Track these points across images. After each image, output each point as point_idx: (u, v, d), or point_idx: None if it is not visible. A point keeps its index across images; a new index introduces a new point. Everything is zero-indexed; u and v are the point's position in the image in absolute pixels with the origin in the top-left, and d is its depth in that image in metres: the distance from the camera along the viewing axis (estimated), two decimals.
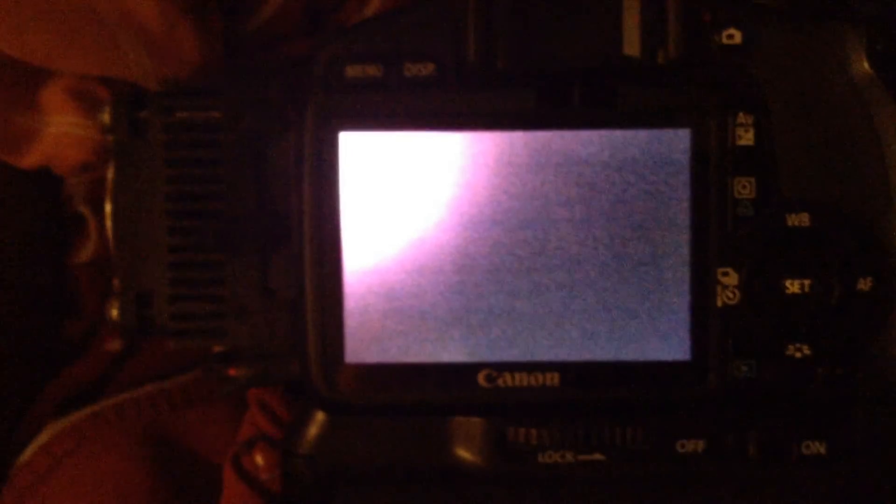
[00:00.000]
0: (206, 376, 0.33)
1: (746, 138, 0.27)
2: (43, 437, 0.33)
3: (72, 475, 0.33)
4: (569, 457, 0.27)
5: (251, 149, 0.28)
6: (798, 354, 0.27)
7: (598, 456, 0.27)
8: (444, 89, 0.27)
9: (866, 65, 0.27)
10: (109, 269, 0.31)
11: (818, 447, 0.27)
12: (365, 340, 0.27)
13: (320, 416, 0.28)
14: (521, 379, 0.27)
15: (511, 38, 0.27)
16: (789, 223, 0.27)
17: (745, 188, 0.27)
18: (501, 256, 0.27)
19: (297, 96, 0.28)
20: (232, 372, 0.29)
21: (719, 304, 0.27)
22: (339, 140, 0.27)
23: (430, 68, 0.27)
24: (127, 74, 0.31)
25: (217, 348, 0.31)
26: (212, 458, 0.34)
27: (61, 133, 0.33)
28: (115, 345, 0.36)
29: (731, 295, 0.27)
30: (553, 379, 0.27)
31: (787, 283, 0.27)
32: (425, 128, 0.27)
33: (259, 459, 0.33)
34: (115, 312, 0.29)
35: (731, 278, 0.27)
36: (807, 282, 0.27)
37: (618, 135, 0.27)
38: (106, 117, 0.29)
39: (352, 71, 0.27)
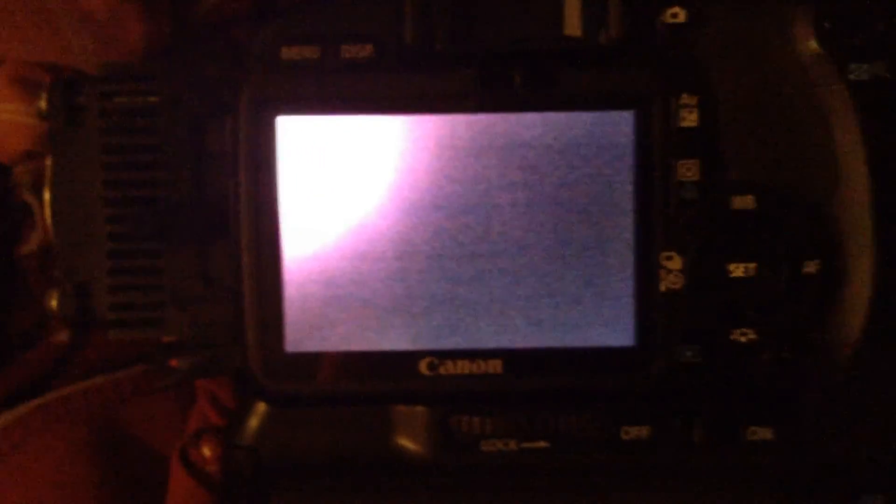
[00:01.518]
0: (149, 367, 0.33)
1: (690, 120, 0.27)
2: None
3: (18, 468, 0.32)
4: (512, 445, 0.27)
5: (189, 134, 0.28)
6: (743, 339, 0.27)
7: (541, 444, 0.27)
8: (383, 72, 0.27)
9: (814, 43, 0.26)
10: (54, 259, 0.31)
11: (765, 432, 0.27)
12: (305, 329, 0.27)
13: (261, 407, 0.28)
14: (464, 366, 0.27)
15: (450, 18, 0.26)
16: (734, 206, 0.27)
17: (689, 170, 0.27)
18: (443, 242, 0.27)
19: (235, 81, 0.27)
20: (174, 363, 0.29)
21: (663, 288, 0.27)
22: (276, 124, 0.27)
23: (368, 50, 0.27)
24: (70, 60, 0.31)
25: (167, 339, 0.31)
26: (160, 450, 0.34)
27: (5, 121, 0.33)
28: (63, 336, 0.36)
29: (675, 279, 0.27)
30: (496, 366, 0.27)
31: (732, 266, 0.27)
32: (364, 111, 0.27)
33: (206, 451, 0.32)
34: (54, 303, 0.29)
35: (675, 262, 0.27)
36: (752, 265, 0.27)
37: (560, 117, 0.27)
38: (42, 103, 0.29)
39: (287, 53, 0.27)
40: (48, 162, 0.30)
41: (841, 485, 0.27)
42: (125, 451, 0.34)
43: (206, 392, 0.34)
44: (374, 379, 0.27)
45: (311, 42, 0.27)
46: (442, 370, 0.27)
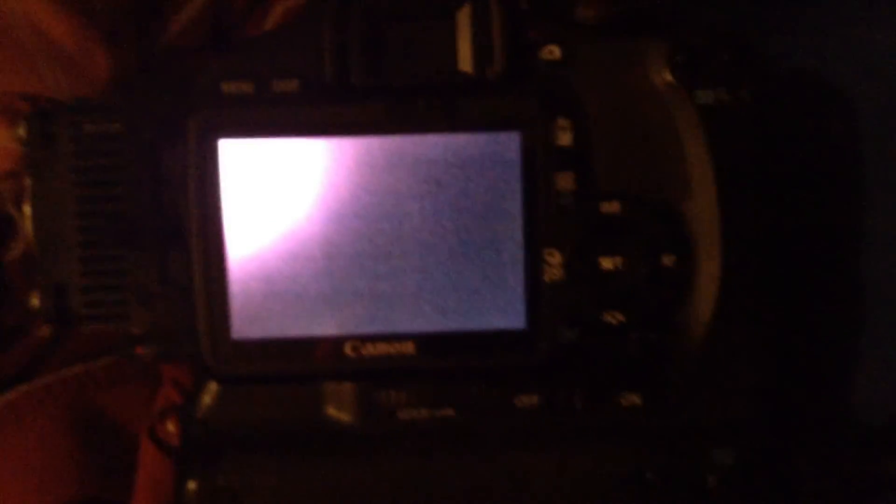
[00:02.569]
0: (118, 356, 0.37)
1: (566, 139, 0.31)
2: None
3: (7, 446, 0.36)
4: (424, 413, 0.32)
5: (148, 157, 0.32)
6: (614, 321, 0.31)
7: (449, 412, 0.32)
8: (308, 102, 0.31)
9: (668, 74, 0.31)
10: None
11: (635, 398, 0.32)
12: (248, 319, 0.31)
13: (213, 386, 0.32)
14: (382, 348, 0.31)
15: (362, 57, 0.31)
16: (603, 210, 0.31)
17: (566, 182, 0.31)
18: (363, 244, 0.31)
19: (185, 110, 0.31)
20: (139, 350, 0.33)
21: (547, 280, 0.31)
22: (218, 147, 0.31)
23: (295, 84, 0.31)
24: (45, 91, 0.35)
25: (135, 331, 0.35)
26: (131, 429, 0.38)
27: None
28: (44, 332, 0.39)
29: (556, 272, 0.31)
30: (409, 347, 0.31)
31: (603, 260, 0.31)
32: (293, 135, 0.31)
33: (171, 427, 0.36)
34: (36, 302, 0.33)
35: (556, 258, 0.31)
36: (619, 259, 0.31)
37: (459, 138, 0.31)
38: (21, 131, 0.33)
39: (227, 87, 0.31)
40: (27, 181, 0.33)
41: (698, 441, 0.31)
42: (101, 430, 0.38)
43: (170, 378, 0.38)
44: (307, 360, 0.31)
45: (246, 78, 0.31)
46: (364, 351, 0.31)
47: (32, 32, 0.34)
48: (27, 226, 0.34)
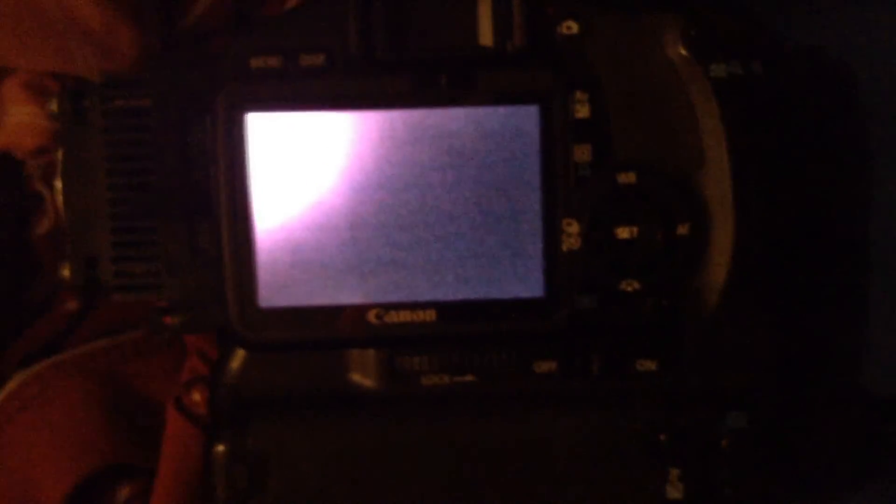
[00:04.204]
0: (147, 325, 0.37)
1: (583, 112, 0.32)
2: (11, 385, 0.38)
3: (37, 416, 0.38)
4: (446, 379, 0.33)
5: (177, 131, 0.33)
6: (630, 289, 0.32)
7: (469, 377, 0.33)
8: (334, 76, 0.32)
9: (682, 48, 0.32)
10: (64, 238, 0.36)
11: (650, 364, 0.33)
12: (274, 288, 0.32)
13: (240, 353, 0.33)
14: (405, 315, 0.32)
15: (386, 32, 0.32)
16: (619, 181, 0.32)
17: (583, 153, 0.32)
18: (386, 215, 0.32)
19: (213, 85, 0.32)
20: (167, 320, 0.34)
21: (565, 249, 0.32)
22: (246, 120, 0.32)
23: (321, 59, 0.32)
24: (74, 69, 0.36)
25: (164, 302, 0.36)
26: (158, 399, 0.39)
27: (19, 122, 0.38)
28: (72, 305, 0.41)
29: (574, 241, 0.32)
30: (431, 315, 0.32)
31: (619, 230, 0.32)
32: (319, 108, 0.32)
33: (196, 397, 0.37)
34: (67, 273, 0.34)
35: (574, 227, 0.32)
36: (635, 228, 0.32)
37: (479, 111, 0.32)
38: (54, 106, 0.34)
39: (255, 62, 0.32)
40: (58, 156, 0.34)
41: (711, 404, 0.32)
42: (128, 400, 0.39)
43: (195, 349, 0.39)
44: (332, 327, 0.32)
45: (274, 52, 0.32)
46: (387, 319, 0.32)
47: (61, 13, 0.35)
48: (58, 200, 0.35)
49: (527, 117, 0.32)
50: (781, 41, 0.34)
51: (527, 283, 0.32)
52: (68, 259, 0.34)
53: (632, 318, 0.32)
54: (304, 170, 0.32)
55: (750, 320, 0.32)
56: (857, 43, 0.36)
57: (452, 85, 0.32)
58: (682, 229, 0.32)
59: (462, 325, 0.32)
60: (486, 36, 0.32)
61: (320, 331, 0.32)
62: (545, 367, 0.32)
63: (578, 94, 0.32)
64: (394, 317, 0.32)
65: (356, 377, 0.33)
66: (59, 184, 0.35)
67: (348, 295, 0.32)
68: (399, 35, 0.32)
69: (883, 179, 0.36)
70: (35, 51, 0.36)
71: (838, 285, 0.37)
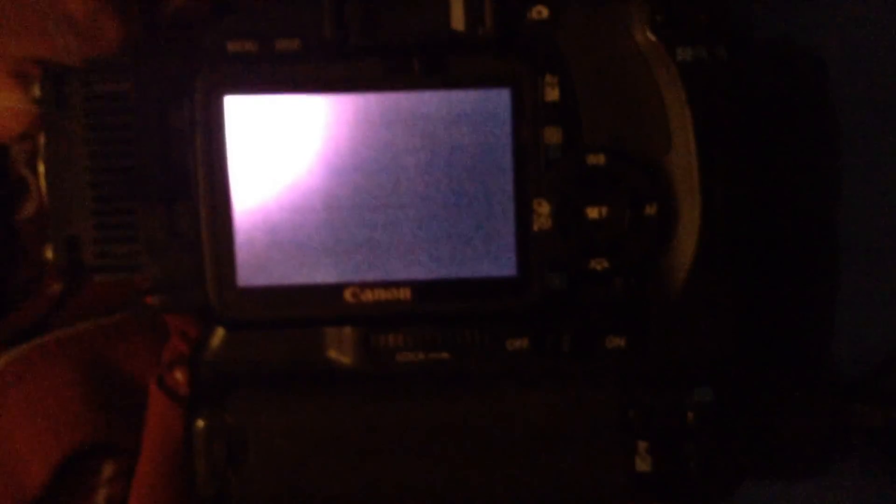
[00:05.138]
0: (129, 309, 0.38)
1: (553, 95, 0.33)
2: None
3: (21, 397, 0.38)
4: (421, 356, 0.33)
5: (156, 114, 0.33)
6: (599, 268, 0.33)
7: (444, 354, 0.34)
8: (309, 60, 0.32)
9: (649, 33, 0.32)
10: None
11: (619, 341, 0.33)
12: (252, 268, 0.33)
13: (220, 331, 0.34)
14: (380, 294, 0.33)
15: (360, 18, 0.32)
16: (589, 162, 0.33)
17: (553, 136, 0.33)
18: (362, 196, 0.33)
19: (192, 69, 0.33)
20: (148, 300, 0.35)
21: (536, 229, 0.33)
22: (223, 103, 0.33)
23: (297, 43, 0.32)
24: (56, 55, 0.37)
25: (145, 283, 0.36)
26: (141, 379, 0.39)
27: (3, 107, 0.38)
28: (56, 288, 0.41)
29: (545, 222, 0.33)
30: (406, 293, 0.33)
31: (589, 210, 0.33)
32: (295, 92, 0.33)
33: (178, 376, 0.38)
34: (49, 254, 0.35)
35: (545, 208, 0.33)
36: (604, 209, 0.33)
37: (451, 94, 0.33)
38: (36, 91, 0.34)
39: (232, 47, 0.32)
40: (41, 140, 0.35)
41: (678, 380, 0.33)
42: (111, 380, 0.40)
43: (177, 329, 0.40)
44: (309, 306, 0.33)
45: (250, 37, 0.32)
46: (363, 297, 0.33)
47: (45, 1, 0.36)
48: (42, 183, 0.36)
49: (498, 100, 0.33)
50: (748, 28, 0.35)
51: (499, 262, 0.33)
52: (51, 240, 0.35)
53: (601, 297, 0.33)
54: (280, 152, 0.33)
55: (716, 299, 0.33)
56: (827, 34, 0.37)
57: (425, 69, 0.32)
58: (650, 210, 0.33)
59: (436, 304, 0.33)
60: (457, 21, 0.32)
61: (298, 309, 0.33)
62: (517, 344, 0.33)
63: (548, 78, 0.32)
64: (369, 295, 0.33)
65: (333, 354, 0.34)
66: (41, 167, 0.35)
67: (325, 274, 0.33)
68: (372, 20, 0.32)
69: (851, 163, 0.37)
70: (18, 37, 0.36)
71: (805, 266, 0.38)
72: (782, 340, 0.38)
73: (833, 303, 0.38)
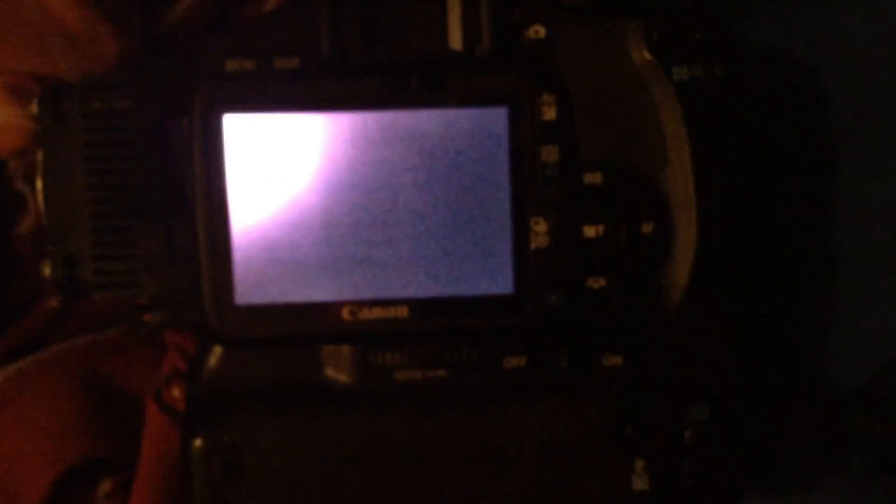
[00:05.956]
0: (127, 325, 0.38)
1: (551, 114, 0.33)
2: None
3: (19, 412, 0.38)
4: (418, 374, 0.33)
5: (155, 132, 0.34)
6: (596, 286, 0.33)
7: (441, 372, 0.34)
8: (307, 79, 0.33)
9: (646, 52, 0.33)
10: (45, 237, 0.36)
11: (616, 359, 0.33)
12: (251, 285, 0.33)
13: (217, 350, 0.34)
14: (378, 312, 0.33)
15: (358, 37, 0.33)
16: (586, 181, 0.33)
17: (550, 154, 0.33)
18: (359, 214, 0.33)
19: (190, 87, 0.33)
20: (146, 317, 0.35)
21: (533, 247, 0.33)
22: (222, 121, 0.33)
23: (295, 61, 0.33)
24: (55, 71, 0.37)
25: (143, 300, 0.36)
26: (138, 395, 0.39)
27: (1, 123, 0.38)
28: (54, 303, 0.41)
29: (542, 240, 0.33)
30: (403, 311, 0.33)
31: (586, 228, 0.33)
32: (293, 110, 0.33)
33: (176, 392, 0.38)
34: (47, 271, 0.35)
35: (542, 226, 0.33)
36: (601, 227, 0.33)
37: (449, 113, 0.33)
38: (34, 108, 0.34)
39: (230, 65, 0.33)
40: (39, 157, 0.35)
41: (675, 398, 0.33)
42: (109, 396, 0.40)
43: (175, 345, 0.40)
44: (307, 324, 0.33)
45: (249, 56, 0.33)
46: (360, 316, 0.33)
47: (42, 15, 0.35)
48: (39, 199, 0.36)
49: (496, 119, 0.33)
50: (744, 43, 0.35)
51: (496, 280, 0.33)
52: (49, 258, 0.35)
53: (598, 314, 0.33)
54: (279, 170, 0.33)
55: (713, 316, 0.33)
56: (822, 46, 0.37)
57: (423, 87, 0.32)
58: (647, 228, 0.33)
59: (434, 322, 0.33)
60: (455, 40, 0.33)
61: (295, 327, 0.33)
62: (515, 361, 0.33)
63: (546, 97, 0.32)
64: (367, 313, 0.33)
65: (330, 372, 0.34)
66: (39, 184, 0.35)
67: (323, 292, 0.33)
68: (370, 39, 0.33)
69: (846, 177, 0.37)
70: (16, 52, 0.36)
71: (801, 280, 0.38)
72: (779, 356, 0.38)
73: (829, 315, 0.38)
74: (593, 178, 0.32)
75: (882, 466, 0.37)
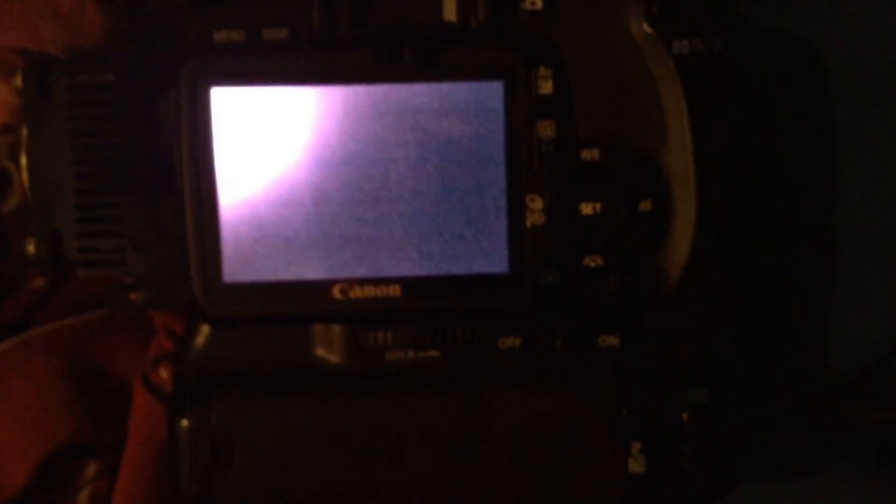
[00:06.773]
0: (113, 305, 0.37)
1: (547, 88, 0.32)
2: None
3: (4, 392, 0.38)
4: (411, 354, 0.33)
5: (141, 106, 0.33)
6: (593, 265, 0.32)
7: (434, 353, 0.33)
8: (297, 51, 0.32)
9: (645, 25, 0.32)
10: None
11: (613, 340, 0.33)
12: (239, 263, 0.32)
13: (205, 329, 0.33)
14: (370, 291, 0.33)
15: (349, 7, 0.32)
16: (583, 157, 0.32)
17: (546, 129, 0.32)
18: (351, 191, 0.32)
19: (177, 60, 0.32)
20: (132, 296, 0.34)
21: (529, 225, 0.32)
22: (210, 94, 0.32)
23: (285, 34, 0.32)
24: (40, 46, 0.36)
25: (129, 278, 0.36)
26: (125, 377, 0.39)
27: None
28: (39, 282, 0.41)
29: (538, 218, 0.32)
30: (395, 290, 0.32)
31: (583, 206, 0.32)
32: (283, 83, 0.32)
33: (163, 373, 0.38)
34: (32, 248, 0.34)
35: (538, 203, 0.32)
36: (598, 205, 0.32)
37: (443, 87, 0.32)
38: (18, 81, 0.34)
39: (219, 36, 0.32)
40: (24, 132, 0.34)
41: (673, 379, 0.33)
42: (95, 378, 0.39)
43: (162, 326, 0.39)
44: (297, 302, 0.32)
45: (238, 27, 0.32)
46: (352, 294, 0.32)
47: None
48: (24, 176, 0.35)
49: (491, 93, 0.32)
50: (745, 20, 0.35)
51: (491, 258, 0.32)
52: (33, 234, 0.34)
53: (595, 294, 0.32)
54: (268, 145, 0.32)
55: (711, 297, 0.32)
56: (824, 26, 0.37)
57: (416, 61, 0.32)
58: (645, 205, 0.32)
59: (427, 301, 0.32)
60: (450, 12, 0.32)
61: (285, 306, 0.32)
62: (509, 342, 0.32)
63: (542, 70, 0.32)
64: (358, 292, 0.32)
65: (321, 352, 0.33)
66: (23, 159, 0.34)
67: (313, 270, 0.32)
68: (362, 10, 0.32)
69: (847, 156, 0.37)
70: (1, 28, 0.36)
71: (801, 263, 0.37)
72: (777, 338, 0.37)
73: (829, 300, 0.37)
74: (590, 154, 0.32)
75: (879, 452, 0.37)
